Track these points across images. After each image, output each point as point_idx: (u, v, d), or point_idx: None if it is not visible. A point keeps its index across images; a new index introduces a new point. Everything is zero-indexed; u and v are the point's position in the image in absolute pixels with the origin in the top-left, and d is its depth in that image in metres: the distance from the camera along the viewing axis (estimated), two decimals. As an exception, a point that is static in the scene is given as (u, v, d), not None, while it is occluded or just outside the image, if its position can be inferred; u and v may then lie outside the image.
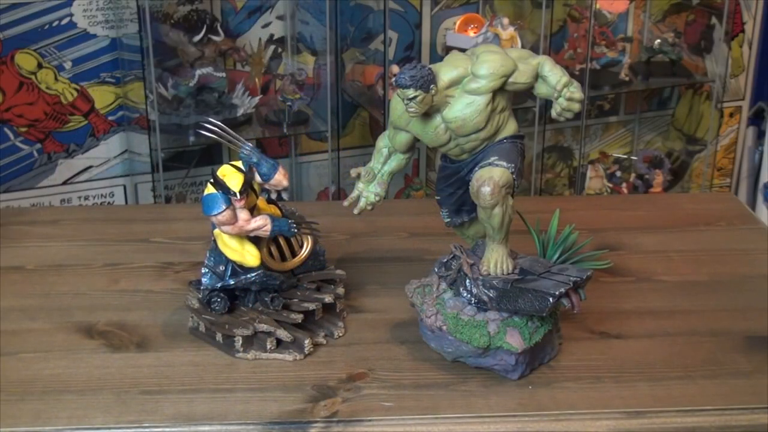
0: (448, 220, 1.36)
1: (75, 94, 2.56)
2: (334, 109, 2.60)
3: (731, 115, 3.25)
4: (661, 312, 1.39)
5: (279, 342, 1.26)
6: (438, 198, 1.36)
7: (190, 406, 1.15)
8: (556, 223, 1.31)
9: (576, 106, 1.23)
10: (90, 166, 2.63)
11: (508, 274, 1.21)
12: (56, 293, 1.43)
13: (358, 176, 1.37)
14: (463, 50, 1.28)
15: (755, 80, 3.22)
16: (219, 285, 1.27)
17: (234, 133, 1.25)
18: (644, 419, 1.14)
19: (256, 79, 2.63)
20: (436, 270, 1.26)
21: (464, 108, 1.22)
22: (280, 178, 1.25)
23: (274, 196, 1.98)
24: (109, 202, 2.68)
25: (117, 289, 1.44)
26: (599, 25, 2.87)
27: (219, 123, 1.24)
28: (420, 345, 1.26)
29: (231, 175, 1.21)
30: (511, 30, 2.59)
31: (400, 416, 1.14)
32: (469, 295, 1.21)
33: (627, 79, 2.90)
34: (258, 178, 1.24)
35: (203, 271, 1.28)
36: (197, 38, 2.48)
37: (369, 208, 1.37)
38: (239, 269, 1.27)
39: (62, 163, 2.60)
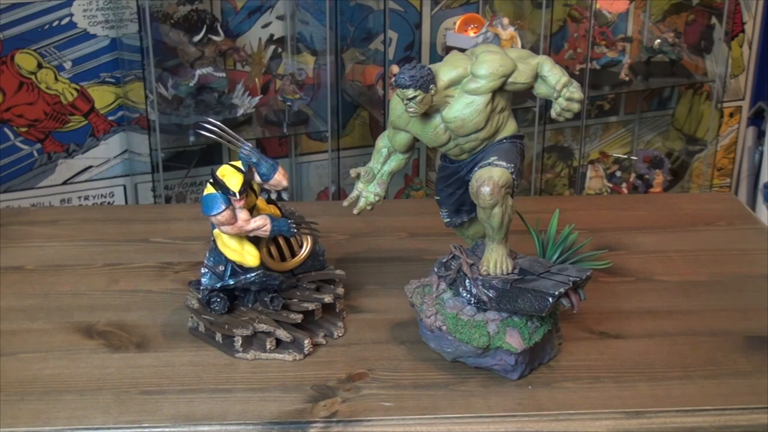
0: (448, 220, 1.36)
1: (75, 94, 2.56)
2: (334, 109, 2.60)
3: (731, 115, 3.24)
4: (660, 312, 1.39)
5: (278, 342, 1.26)
6: (438, 198, 1.36)
7: (189, 406, 1.15)
8: (556, 223, 1.31)
9: (575, 106, 1.23)
10: (90, 166, 2.64)
11: (508, 274, 1.21)
12: (56, 293, 1.43)
13: (358, 176, 1.37)
14: (463, 50, 1.28)
15: (755, 80, 3.21)
16: (218, 285, 1.27)
17: (234, 133, 1.25)
18: (644, 419, 1.14)
19: (256, 79, 2.64)
20: (435, 270, 1.26)
21: (464, 108, 1.22)
22: (279, 179, 1.25)
23: (273, 196, 1.98)
24: (109, 202, 2.68)
25: (116, 289, 1.44)
26: (599, 25, 2.87)
27: (219, 123, 1.24)
28: (419, 345, 1.26)
29: (230, 175, 1.21)
30: (511, 30, 2.59)
31: (399, 416, 1.14)
32: (468, 295, 1.21)
33: (627, 79, 2.90)
34: (257, 178, 1.24)
35: (203, 271, 1.28)
36: (197, 38, 2.48)
37: (368, 208, 1.37)
38: (239, 269, 1.27)
39: (62, 163, 2.61)
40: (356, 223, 1.62)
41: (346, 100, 2.77)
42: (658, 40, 2.99)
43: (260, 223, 1.23)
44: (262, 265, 1.27)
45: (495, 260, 1.22)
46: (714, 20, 3.00)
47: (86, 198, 2.65)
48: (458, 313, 1.21)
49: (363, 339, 1.31)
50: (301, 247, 1.32)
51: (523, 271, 1.21)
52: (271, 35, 2.69)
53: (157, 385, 1.20)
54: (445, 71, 1.22)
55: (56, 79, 2.53)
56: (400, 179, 2.93)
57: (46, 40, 2.49)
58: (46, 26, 2.48)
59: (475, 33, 2.60)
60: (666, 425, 1.14)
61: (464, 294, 1.22)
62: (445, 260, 1.26)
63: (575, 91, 1.22)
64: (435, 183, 1.37)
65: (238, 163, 1.24)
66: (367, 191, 1.37)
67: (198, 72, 2.49)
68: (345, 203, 1.38)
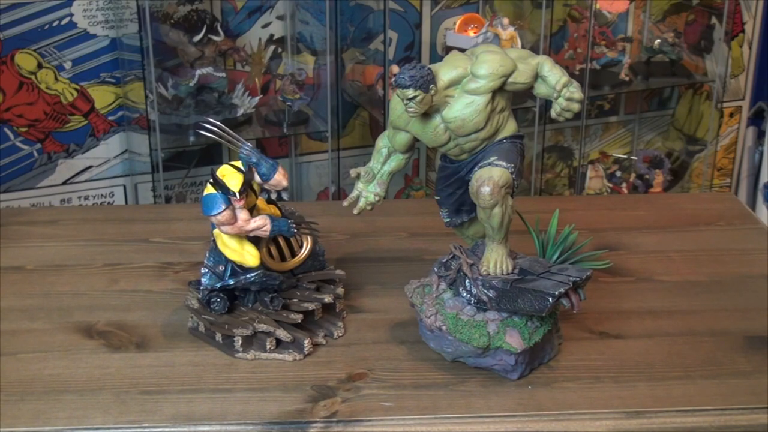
0: (448, 220, 1.36)
1: (75, 94, 2.56)
2: (334, 109, 2.60)
3: (731, 115, 3.24)
4: (660, 312, 1.39)
5: (278, 342, 1.26)
6: (438, 198, 1.36)
7: (189, 406, 1.15)
8: (556, 223, 1.31)
9: (575, 106, 1.23)
10: (90, 166, 2.64)
11: (508, 274, 1.21)
12: (56, 293, 1.43)
13: (358, 176, 1.37)
14: (463, 50, 1.28)
15: (755, 80, 3.21)
16: (218, 285, 1.27)
17: (234, 133, 1.25)
18: (644, 419, 1.14)
19: (256, 79, 2.64)
20: (435, 270, 1.26)
21: (464, 108, 1.22)
22: (279, 179, 1.25)
23: (273, 196, 1.98)
24: (109, 202, 2.68)
25: (116, 289, 1.44)
26: (599, 25, 2.87)
27: (219, 123, 1.24)
28: (419, 345, 1.26)
29: (230, 175, 1.21)
30: (511, 30, 2.59)
31: (399, 416, 1.14)
32: (468, 295, 1.21)
33: (627, 79, 2.90)
34: (257, 178, 1.24)
35: (203, 271, 1.28)
36: (197, 38, 2.48)
37: (368, 208, 1.37)
38: (239, 269, 1.27)
39: (62, 163, 2.61)
40: (356, 223, 1.62)
41: (346, 100, 2.77)
42: (658, 40, 2.99)
43: (260, 223, 1.23)
44: (262, 265, 1.27)
45: (495, 260, 1.22)
46: (714, 20, 3.00)
47: (86, 198, 2.65)
48: (458, 313, 1.21)
49: (363, 339, 1.31)
50: (301, 247, 1.32)
51: (523, 271, 1.21)
52: (271, 35, 2.69)
53: (157, 385, 1.20)
54: (445, 71, 1.22)
55: (56, 79, 2.53)
56: (400, 179, 2.93)
57: (46, 40, 2.49)
58: (46, 26, 2.48)
59: (475, 33, 2.60)
60: (666, 425, 1.14)
61: (464, 294, 1.22)
62: (445, 260, 1.26)
63: (575, 91, 1.22)
64: (435, 183, 1.37)
65: (238, 163, 1.24)
66: (367, 191, 1.37)
67: (198, 72, 2.49)
68: (345, 203, 1.38)
